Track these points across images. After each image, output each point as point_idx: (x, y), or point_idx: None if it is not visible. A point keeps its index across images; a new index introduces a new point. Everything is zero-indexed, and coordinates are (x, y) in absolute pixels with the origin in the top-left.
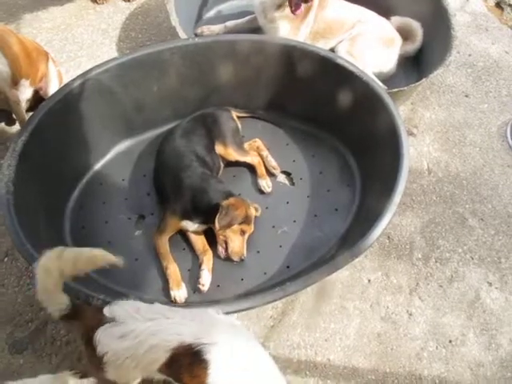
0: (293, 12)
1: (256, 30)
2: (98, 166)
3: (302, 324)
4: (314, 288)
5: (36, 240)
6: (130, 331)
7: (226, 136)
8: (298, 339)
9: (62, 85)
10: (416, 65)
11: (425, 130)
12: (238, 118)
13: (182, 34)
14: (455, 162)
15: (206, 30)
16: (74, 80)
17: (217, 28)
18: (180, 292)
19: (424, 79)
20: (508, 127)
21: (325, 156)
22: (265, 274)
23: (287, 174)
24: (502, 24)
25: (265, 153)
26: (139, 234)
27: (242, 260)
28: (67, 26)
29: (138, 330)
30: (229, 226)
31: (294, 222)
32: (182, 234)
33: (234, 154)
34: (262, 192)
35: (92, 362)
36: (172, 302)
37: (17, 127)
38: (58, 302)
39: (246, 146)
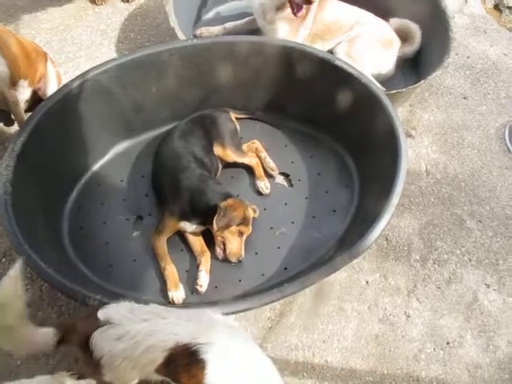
0: (294, 14)
1: (255, 31)
2: (96, 166)
3: (299, 325)
4: (311, 289)
5: (34, 241)
6: (125, 332)
7: (225, 137)
8: (295, 340)
9: (61, 85)
10: (414, 67)
11: (423, 132)
12: (237, 119)
13: (181, 36)
14: (453, 163)
15: (204, 31)
16: (72, 81)
17: (216, 29)
18: (178, 293)
19: (422, 81)
20: (506, 129)
21: (323, 157)
22: (263, 275)
23: (285, 175)
24: (500, 26)
25: (263, 154)
26: (137, 235)
27: (239, 261)
28: (66, 26)
29: (134, 330)
30: (227, 227)
31: (292, 223)
32: (180, 235)
33: (232, 156)
34: (260, 193)
35: (89, 365)
36: (170, 303)
37: (15, 128)
38: (42, 336)
39: (244, 147)
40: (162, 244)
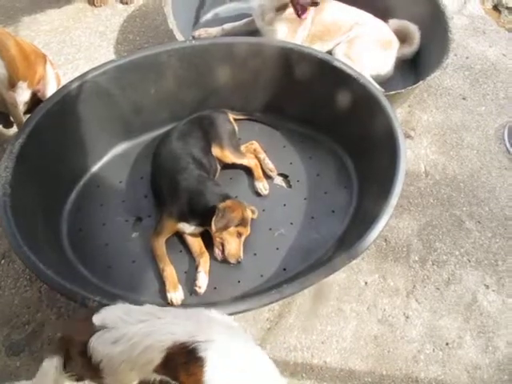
0: (299, 16)
1: (253, 32)
2: (95, 168)
3: (298, 326)
4: (310, 290)
5: (33, 242)
6: (122, 335)
7: (223, 138)
8: (294, 341)
9: (60, 87)
10: (413, 67)
11: (422, 133)
12: (235, 120)
13: (180, 37)
14: (452, 164)
15: (203, 32)
16: (71, 82)
17: (214, 31)
18: (177, 294)
19: (421, 82)
20: (505, 130)
21: (322, 158)
22: (261, 276)
23: (284, 176)
24: (499, 27)
25: (262, 155)
26: (136, 236)
27: (238, 262)
28: (65, 28)
29: (131, 332)
30: (225, 228)
31: (291, 224)
32: (179, 236)
33: (230, 157)
34: (258, 194)
35: (89, 369)
36: (169, 304)
37: (14, 130)
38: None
39: (242, 148)
40: (160, 245)
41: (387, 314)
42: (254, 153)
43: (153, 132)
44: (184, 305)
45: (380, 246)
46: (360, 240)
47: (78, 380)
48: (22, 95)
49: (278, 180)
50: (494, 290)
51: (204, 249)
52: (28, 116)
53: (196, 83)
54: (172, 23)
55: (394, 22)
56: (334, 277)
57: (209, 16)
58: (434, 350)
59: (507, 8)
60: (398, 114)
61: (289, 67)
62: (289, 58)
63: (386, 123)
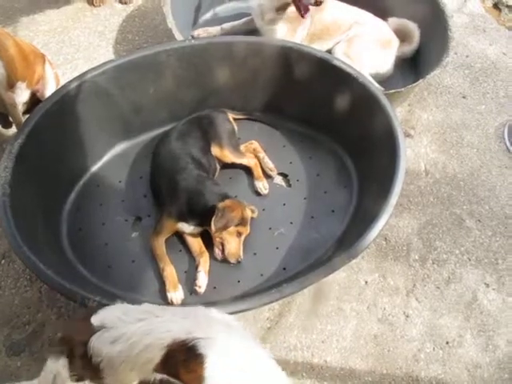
0: (302, 15)
1: (253, 31)
2: (94, 168)
3: (298, 326)
4: (310, 290)
5: (33, 242)
6: (121, 334)
7: (222, 138)
8: (294, 341)
9: (59, 87)
10: (413, 66)
11: (422, 132)
12: (235, 119)
13: (179, 36)
14: (452, 163)
15: (202, 32)
16: (70, 82)
17: (213, 30)
18: (176, 294)
19: (421, 80)
20: (505, 128)
21: (322, 158)
22: (261, 275)
23: (284, 175)
24: (499, 25)
25: (261, 154)
26: (136, 236)
27: (238, 262)
28: (64, 28)
29: (130, 332)
30: (225, 228)
31: (291, 223)
32: (179, 235)
33: (230, 156)
34: (258, 194)
35: (89, 369)
36: (169, 304)
37: (13, 130)
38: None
39: (242, 147)
40: (160, 245)
41: (387, 313)
42: (254, 152)
43: (152, 132)
44: (184, 304)
45: (380, 245)
46: (360, 239)
47: (78, 380)
48: (21, 95)
49: (278, 179)
50: (494, 289)
51: (204, 248)
52: (27, 116)
53: (195, 83)
54: (171, 23)
55: (393, 20)
56: (334, 276)
57: (208, 15)
58: (434, 348)
59: (507, 6)
60: (398, 113)
61: (288, 66)
62: (288, 57)
63: (386, 122)
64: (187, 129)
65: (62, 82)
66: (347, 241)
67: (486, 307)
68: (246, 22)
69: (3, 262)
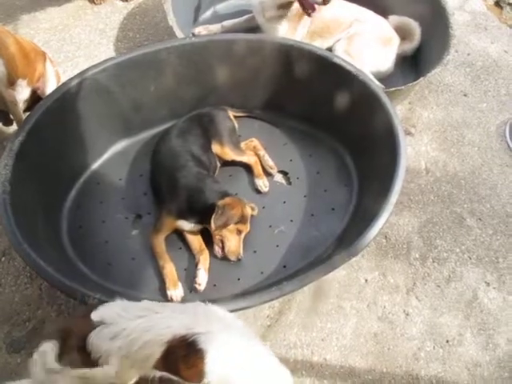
0: (308, 14)
1: (254, 29)
2: (95, 165)
3: (298, 323)
4: (310, 287)
5: (33, 239)
6: (121, 330)
7: (223, 135)
8: (294, 339)
9: (60, 84)
10: (414, 64)
11: (423, 130)
12: (235, 117)
13: (179, 34)
14: (453, 161)
15: (203, 29)
16: (71, 79)
17: (214, 27)
18: (176, 291)
19: (422, 78)
20: (507, 126)
21: (322, 156)
22: (261, 273)
23: (284, 173)
24: (501, 23)
25: (262, 152)
26: (136, 234)
27: (239, 260)
28: (65, 26)
29: (130, 328)
30: (225, 225)
31: (291, 221)
32: (179, 233)
33: (230, 154)
34: (258, 191)
35: (88, 366)
36: (169, 302)
37: (14, 127)
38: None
39: (242, 145)
40: (160, 242)
41: (387, 311)
42: (254, 150)
43: (152, 129)
44: (184, 302)
45: (380, 244)
46: (360, 237)
47: None
48: (22, 93)
49: (278, 177)
50: (494, 288)
51: (204, 246)
52: (28, 114)
53: (195, 80)
54: (172, 20)
55: (394, 18)
56: (334, 274)
57: (208, 13)
58: (434, 347)
59: (509, 4)
60: (399, 111)
61: (288, 64)
62: (289, 54)
63: (386, 120)
64: (187, 126)
65: (63, 80)
66: (347, 239)
67: (486, 306)
68: (247, 19)
69: (3, 259)
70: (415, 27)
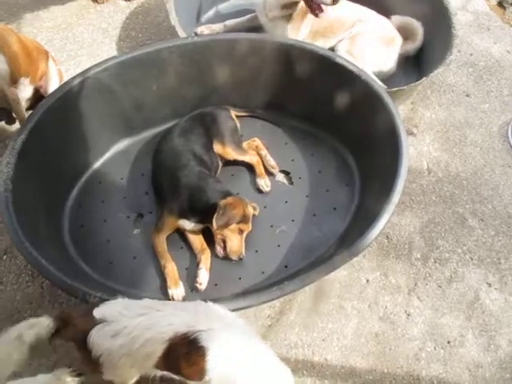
0: (316, 15)
1: (256, 28)
2: (97, 164)
3: (299, 323)
4: (311, 287)
5: (35, 238)
6: (122, 328)
7: (225, 135)
8: (295, 339)
9: (62, 83)
10: (416, 64)
11: (425, 130)
12: (237, 117)
13: (182, 33)
14: (455, 161)
15: (205, 29)
16: (73, 78)
17: (216, 27)
18: (178, 291)
19: (424, 78)
20: (509, 127)
21: (324, 155)
22: (263, 273)
23: (286, 173)
24: (504, 23)
25: (264, 152)
26: (138, 233)
27: (240, 259)
28: (68, 25)
29: (131, 326)
30: (226, 225)
31: (293, 221)
32: (180, 232)
33: (232, 153)
34: (260, 191)
35: (88, 364)
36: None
37: (17, 126)
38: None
39: (244, 145)
40: (161, 242)
41: (388, 311)
42: (256, 149)
43: (154, 129)
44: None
45: (382, 244)
46: (361, 237)
47: (79, 375)
48: (24, 91)
49: (280, 177)
50: (496, 289)
51: (205, 245)
52: (30, 112)
53: (197, 80)
54: (174, 20)
55: (396, 18)
56: (336, 274)
57: (211, 12)
58: (435, 348)
59: None
60: (401, 111)
61: (290, 64)
62: (291, 54)
63: (389, 120)
64: (189, 125)
65: (66, 79)
66: (349, 239)
67: (488, 307)
68: (250, 19)
69: (5, 257)
70: (418, 27)
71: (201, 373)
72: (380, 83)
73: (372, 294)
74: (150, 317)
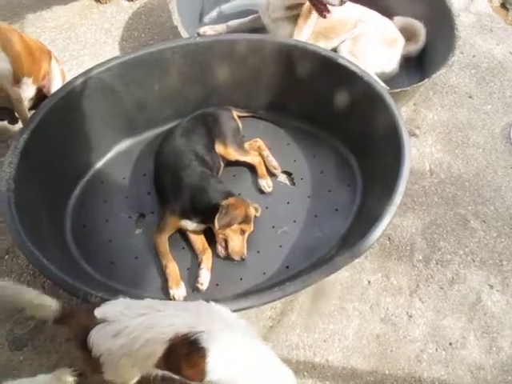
0: (323, 16)
1: (259, 29)
2: (99, 164)
3: (300, 324)
4: (313, 288)
5: (37, 238)
6: (123, 328)
7: (227, 135)
8: (296, 340)
9: (65, 83)
10: (419, 65)
11: (427, 131)
12: (239, 117)
13: (184, 34)
14: (458, 163)
15: (208, 29)
16: (76, 78)
17: (219, 28)
18: (179, 291)
19: (427, 79)
20: (511, 129)
21: (326, 156)
22: (264, 273)
23: (288, 173)
24: (507, 25)
25: (265, 152)
26: (139, 233)
27: (242, 259)
28: (71, 25)
29: (132, 326)
30: (228, 225)
31: (295, 222)
32: (182, 233)
33: (234, 154)
34: (262, 192)
35: (89, 364)
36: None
37: (19, 125)
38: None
39: (246, 145)
40: (163, 242)
41: (390, 313)
42: (258, 150)
43: (156, 129)
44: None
45: (383, 245)
46: (363, 239)
47: (79, 375)
48: (27, 91)
49: (282, 177)
50: (498, 290)
51: (207, 246)
52: (33, 112)
53: (200, 80)
54: (177, 20)
55: (399, 19)
56: (337, 275)
57: (214, 13)
58: (437, 349)
59: None
60: (403, 112)
61: (292, 64)
62: (292, 55)
63: (391, 121)
64: (192, 126)
65: (68, 78)
66: (351, 240)
67: (489, 309)
68: (253, 19)
69: (7, 257)
70: (420, 28)
71: (201, 374)
72: (382, 84)
73: (373, 296)
74: (151, 317)
